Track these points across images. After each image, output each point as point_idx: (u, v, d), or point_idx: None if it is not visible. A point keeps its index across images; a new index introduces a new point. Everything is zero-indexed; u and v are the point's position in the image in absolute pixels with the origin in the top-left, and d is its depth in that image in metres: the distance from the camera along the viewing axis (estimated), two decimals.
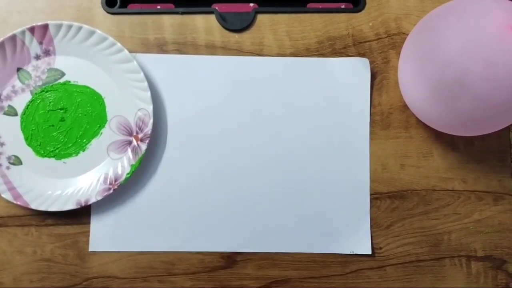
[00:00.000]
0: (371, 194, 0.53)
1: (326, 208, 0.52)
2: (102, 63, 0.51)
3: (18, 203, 0.50)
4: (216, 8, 0.53)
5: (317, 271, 0.52)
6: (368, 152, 0.53)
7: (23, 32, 0.50)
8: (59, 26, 0.50)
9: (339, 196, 0.52)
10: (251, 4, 0.54)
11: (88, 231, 0.52)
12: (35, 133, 0.51)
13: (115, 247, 0.52)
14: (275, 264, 0.52)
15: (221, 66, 0.53)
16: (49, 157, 0.51)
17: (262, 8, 0.53)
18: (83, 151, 0.51)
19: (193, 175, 0.52)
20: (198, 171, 0.52)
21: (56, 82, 0.51)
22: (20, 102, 0.51)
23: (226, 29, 0.53)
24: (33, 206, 0.50)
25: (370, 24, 0.54)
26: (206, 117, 0.53)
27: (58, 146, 0.51)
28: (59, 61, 0.51)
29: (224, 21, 0.53)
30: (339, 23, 0.54)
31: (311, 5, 0.55)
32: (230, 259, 0.52)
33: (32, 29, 0.50)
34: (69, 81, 0.52)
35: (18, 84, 0.51)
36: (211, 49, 0.53)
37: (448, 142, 0.53)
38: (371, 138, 0.53)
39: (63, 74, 0.52)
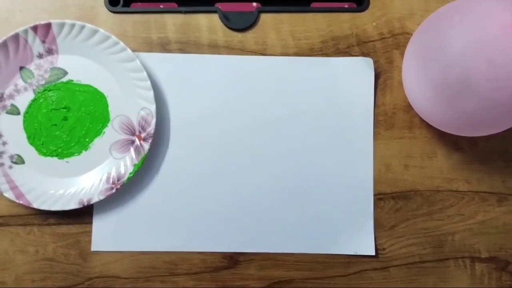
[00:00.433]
0: (374, 195, 0.52)
1: (329, 209, 0.52)
2: (105, 62, 0.51)
3: (21, 202, 0.50)
4: (220, 7, 0.53)
5: (320, 272, 0.52)
6: (371, 152, 0.53)
7: (26, 31, 0.50)
8: (62, 25, 0.50)
9: (342, 196, 0.52)
10: (255, 4, 0.54)
11: (90, 231, 0.51)
12: (38, 132, 0.51)
13: (118, 247, 0.51)
14: (278, 264, 0.52)
15: (224, 65, 0.53)
16: (52, 156, 0.51)
17: (266, 8, 0.53)
18: (86, 150, 0.51)
19: (196, 175, 0.52)
20: (202, 170, 0.52)
21: (59, 81, 0.51)
22: (23, 101, 0.51)
23: (229, 28, 0.53)
24: (36, 205, 0.50)
25: (374, 23, 0.53)
26: (209, 116, 0.52)
27: (61, 145, 0.51)
28: (62, 60, 0.51)
29: (227, 20, 0.53)
30: (343, 22, 0.53)
31: (314, 5, 0.54)
32: (233, 260, 0.52)
33: (35, 28, 0.50)
34: (72, 80, 0.51)
35: (20, 83, 0.51)
36: (214, 48, 0.53)
37: (452, 142, 0.53)
38: (374, 138, 0.53)
39: (66, 73, 0.51)
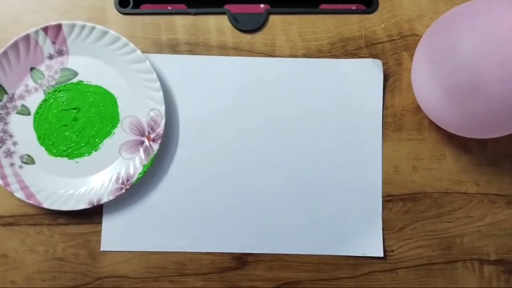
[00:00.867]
0: (383, 197, 0.52)
1: (338, 210, 0.52)
2: (115, 63, 0.51)
3: (31, 202, 0.50)
4: (228, 9, 0.53)
5: (328, 273, 0.52)
6: (380, 154, 0.53)
7: (36, 32, 0.50)
8: (72, 26, 0.50)
9: (351, 198, 0.52)
10: (263, 5, 0.54)
11: (100, 231, 0.52)
12: (48, 133, 0.51)
13: (127, 247, 0.52)
14: (286, 265, 0.52)
15: (233, 67, 0.53)
16: (62, 156, 0.51)
17: (274, 9, 0.53)
18: (96, 150, 0.52)
19: (205, 176, 0.52)
20: (210, 171, 0.52)
21: (69, 82, 0.52)
22: (33, 101, 0.51)
23: (238, 29, 0.53)
24: (46, 205, 0.50)
25: (383, 25, 0.53)
26: (218, 117, 0.53)
27: (71, 145, 0.51)
28: (72, 61, 0.52)
29: (236, 21, 0.53)
30: (352, 24, 0.53)
31: (323, 6, 0.54)
32: (241, 260, 0.52)
33: (45, 29, 0.50)
34: (82, 81, 0.52)
35: (31, 83, 0.51)
36: (223, 49, 0.53)
37: (461, 144, 0.53)
38: (383, 140, 0.53)
39: (76, 74, 0.52)
